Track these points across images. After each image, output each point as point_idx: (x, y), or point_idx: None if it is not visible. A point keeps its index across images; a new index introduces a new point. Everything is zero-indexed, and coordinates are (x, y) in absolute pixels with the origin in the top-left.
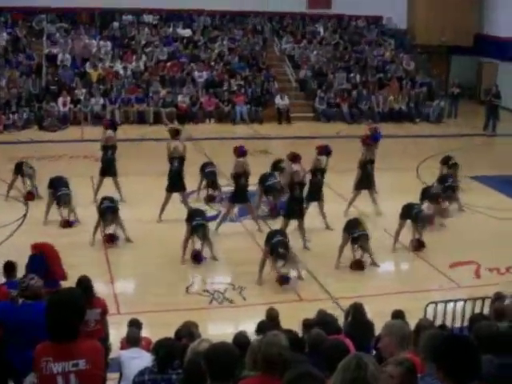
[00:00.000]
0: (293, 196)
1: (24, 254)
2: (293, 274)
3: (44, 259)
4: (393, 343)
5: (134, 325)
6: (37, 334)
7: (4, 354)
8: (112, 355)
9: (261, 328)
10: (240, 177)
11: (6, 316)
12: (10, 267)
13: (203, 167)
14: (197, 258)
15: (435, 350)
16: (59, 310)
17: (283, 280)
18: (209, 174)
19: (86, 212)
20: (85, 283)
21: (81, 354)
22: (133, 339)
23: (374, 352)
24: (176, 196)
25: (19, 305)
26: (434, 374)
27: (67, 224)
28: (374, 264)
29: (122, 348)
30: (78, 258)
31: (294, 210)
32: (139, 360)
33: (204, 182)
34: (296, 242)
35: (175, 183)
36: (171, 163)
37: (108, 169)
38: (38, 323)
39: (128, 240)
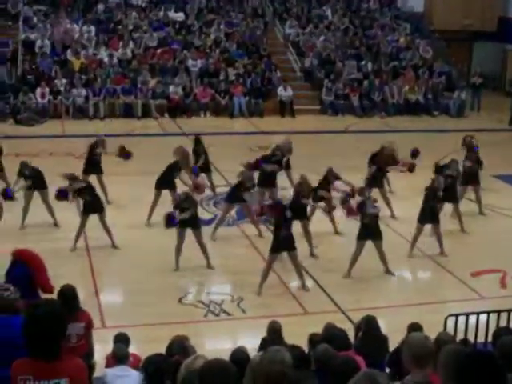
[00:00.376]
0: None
1: None
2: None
3: (27, 268)
4: (409, 360)
5: (121, 340)
6: (10, 352)
7: None
8: (96, 374)
9: (264, 344)
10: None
11: None
12: None
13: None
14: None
15: (457, 367)
16: (39, 324)
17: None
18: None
19: (68, 216)
20: (68, 294)
21: (63, 373)
22: (119, 356)
23: (388, 369)
24: (167, 196)
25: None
26: None
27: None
28: (389, 272)
29: (108, 366)
30: (60, 267)
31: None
32: (127, 379)
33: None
34: (302, 249)
35: (165, 180)
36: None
37: (93, 166)
38: (11, 339)
39: (114, 246)
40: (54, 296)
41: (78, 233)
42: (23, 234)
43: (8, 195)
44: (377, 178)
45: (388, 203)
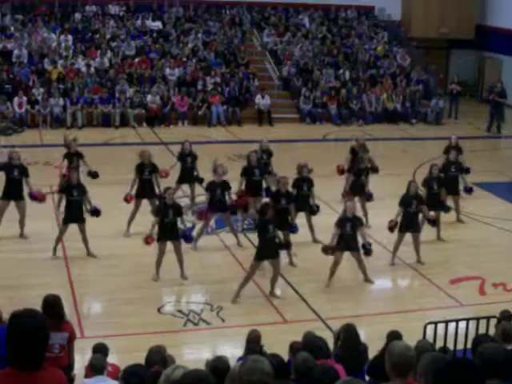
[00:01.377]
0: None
1: None
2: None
3: None
4: (389, 369)
5: (100, 350)
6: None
7: None
8: None
9: (247, 354)
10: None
11: None
12: None
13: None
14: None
15: (437, 375)
16: (23, 334)
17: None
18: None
19: (44, 226)
20: (53, 302)
21: None
22: (96, 366)
23: (368, 378)
24: (146, 206)
25: None
26: None
27: None
28: (368, 281)
29: (87, 376)
30: (37, 277)
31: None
32: None
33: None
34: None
35: (145, 189)
36: (142, 171)
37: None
38: None
39: (91, 255)
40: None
41: (57, 241)
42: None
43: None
44: (356, 186)
45: (365, 212)
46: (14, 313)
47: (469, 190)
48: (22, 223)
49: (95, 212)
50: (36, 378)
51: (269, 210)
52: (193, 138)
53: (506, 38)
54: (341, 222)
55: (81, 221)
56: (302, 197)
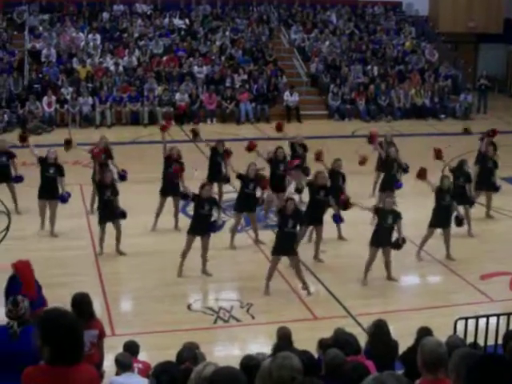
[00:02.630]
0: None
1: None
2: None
3: (18, 279)
4: (420, 365)
5: (131, 347)
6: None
7: None
8: (105, 381)
9: (275, 350)
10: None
11: (3, 348)
12: None
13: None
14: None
15: (469, 370)
16: (58, 333)
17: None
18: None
19: (74, 224)
20: (83, 300)
21: (76, 381)
22: (121, 363)
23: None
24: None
25: (18, 334)
26: None
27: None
28: (392, 279)
29: (117, 374)
30: (67, 275)
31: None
32: None
33: None
34: (308, 253)
35: (169, 186)
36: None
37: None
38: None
39: (121, 253)
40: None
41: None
42: (35, 242)
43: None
44: (388, 182)
45: None
46: (47, 312)
47: (497, 188)
48: (52, 221)
49: (121, 214)
50: (71, 372)
51: (289, 205)
52: (221, 135)
53: None
54: (382, 214)
55: (116, 219)
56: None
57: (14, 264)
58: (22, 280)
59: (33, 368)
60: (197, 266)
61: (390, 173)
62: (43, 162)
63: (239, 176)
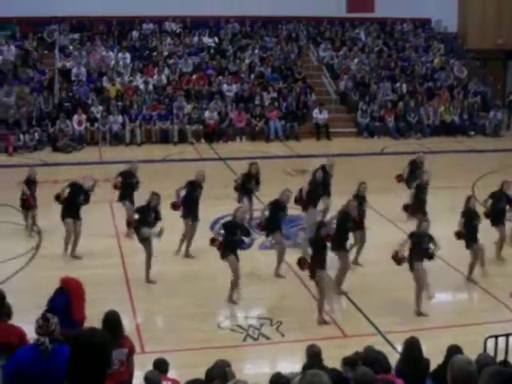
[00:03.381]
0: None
1: (38, 287)
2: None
3: (68, 296)
4: (450, 382)
5: (160, 364)
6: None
7: None
8: None
9: (306, 369)
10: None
11: (32, 364)
12: None
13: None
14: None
15: None
16: (87, 355)
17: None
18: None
19: (104, 242)
20: (113, 320)
21: None
22: (150, 381)
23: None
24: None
25: (49, 352)
26: None
27: None
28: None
29: None
30: (98, 293)
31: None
32: None
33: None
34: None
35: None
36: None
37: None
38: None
39: (150, 281)
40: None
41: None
42: (65, 261)
43: None
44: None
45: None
46: (79, 332)
47: None
48: (75, 243)
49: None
50: None
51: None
52: (251, 153)
53: None
54: (418, 238)
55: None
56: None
57: (65, 279)
58: (74, 297)
59: None
60: (227, 284)
61: (421, 197)
62: (75, 187)
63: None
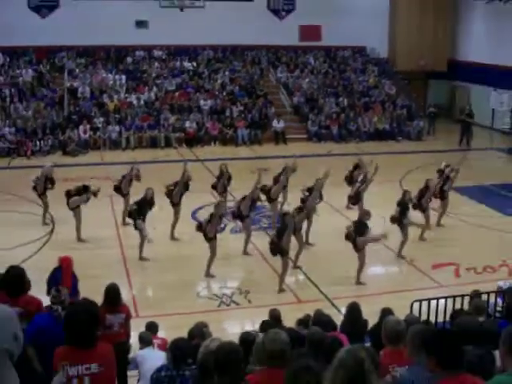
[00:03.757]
0: None
1: (52, 264)
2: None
3: (60, 271)
4: (384, 339)
5: (151, 327)
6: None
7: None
8: (131, 354)
9: (264, 326)
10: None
11: (50, 327)
12: None
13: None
14: None
15: (427, 341)
16: (75, 320)
17: None
18: None
19: (106, 231)
20: (113, 291)
21: (93, 359)
22: (143, 339)
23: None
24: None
25: (62, 318)
26: (421, 365)
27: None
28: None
29: (141, 348)
30: (101, 270)
31: None
32: (154, 359)
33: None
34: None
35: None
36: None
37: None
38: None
39: (142, 258)
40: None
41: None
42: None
43: None
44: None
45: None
46: (71, 302)
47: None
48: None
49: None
50: (87, 354)
51: None
52: (222, 155)
53: (473, 69)
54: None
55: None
56: None
57: (61, 258)
58: (63, 273)
59: (60, 349)
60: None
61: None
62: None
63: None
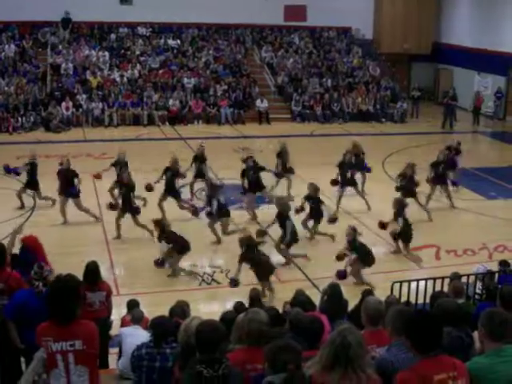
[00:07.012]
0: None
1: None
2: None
3: (30, 251)
4: (365, 319)
5: (134, 305)
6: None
7: (20, 336)
8: (112, 331)
9: (237, 309)
10: None
11: (30, 303)
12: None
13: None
14: None
15: (405, 323)
16: (59, 295)
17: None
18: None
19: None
20: (93, 268)
21: (77, 336)
22: (137, 318)
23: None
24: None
25: (43, 293)
26: (401, 346)
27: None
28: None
29: (123, 325)
30: (83, 247)
31: None
32: (136, 337)
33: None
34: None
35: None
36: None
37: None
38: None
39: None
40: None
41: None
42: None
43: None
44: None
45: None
46: (55, 278)
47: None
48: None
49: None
50: (72, 329)
51: None
52: (205, 134)
53: (457, 52)
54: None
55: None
56: None
57: (25, 237)
58: (38, 251)
59: (42, 325)
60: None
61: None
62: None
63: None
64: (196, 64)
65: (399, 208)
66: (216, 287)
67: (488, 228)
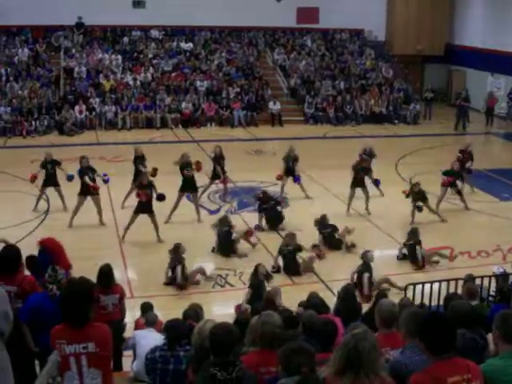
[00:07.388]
0: None
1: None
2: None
3: (48, 253)
4: (378, 322)
5: (148, 308)
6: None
7: (35, 339)
8: (126, 333)
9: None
10: None
11: (44, 306)
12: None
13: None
14: None
15: (419, 325)
16: (72, 298)
17: None
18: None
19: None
20: (106, 271)
21: (90, 338)
22: (151, 321)
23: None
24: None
25: (57, 297)
26: (414, 348)
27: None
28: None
29: (136, 328)
30: (96, 251)
31: None
32: (150, 339)
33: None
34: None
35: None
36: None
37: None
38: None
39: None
40: (92, 271)
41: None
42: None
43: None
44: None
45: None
46: (68, 281)
47: None
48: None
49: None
50: (85, 331)
51: None
52: (218, 136)
53: (469, 53)
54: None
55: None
56: None
57: (41, 241)
58: (56, 253)
59: (56, 328)
60: (204, 242)
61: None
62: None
63: None
64: (209, 67)
65: None
66: (230, 290)
67: (501, 229)
